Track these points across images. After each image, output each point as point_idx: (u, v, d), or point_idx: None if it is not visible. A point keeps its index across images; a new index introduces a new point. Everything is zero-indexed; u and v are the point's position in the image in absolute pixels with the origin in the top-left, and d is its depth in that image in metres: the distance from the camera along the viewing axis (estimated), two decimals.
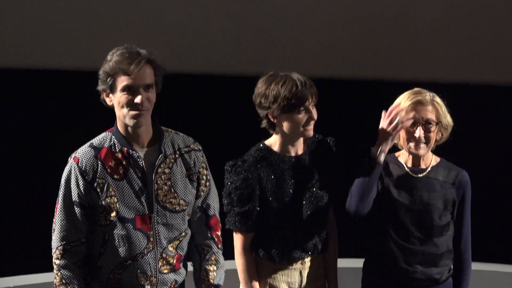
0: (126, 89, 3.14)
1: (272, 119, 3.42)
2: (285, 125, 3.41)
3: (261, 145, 3.51)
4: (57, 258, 3.22)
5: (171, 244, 3.29)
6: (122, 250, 3.22)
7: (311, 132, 3.43)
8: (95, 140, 3.27)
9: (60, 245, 3.22)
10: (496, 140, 9.21)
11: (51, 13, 9.39)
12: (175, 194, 3.27)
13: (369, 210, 3.44)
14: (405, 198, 3.47)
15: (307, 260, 3.53)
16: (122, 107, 3.16)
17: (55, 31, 9.39)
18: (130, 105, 3.15)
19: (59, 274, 3.22)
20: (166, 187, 3.25)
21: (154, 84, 3.20)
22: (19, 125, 9.39)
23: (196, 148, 3.36)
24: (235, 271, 3.55)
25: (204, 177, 3.37)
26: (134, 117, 3.16)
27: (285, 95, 3.33)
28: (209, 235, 3.39)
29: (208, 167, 3.40)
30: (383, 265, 3.51)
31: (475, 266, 4.05)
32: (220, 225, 3.45)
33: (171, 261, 3.30)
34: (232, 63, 9.54)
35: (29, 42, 9.49)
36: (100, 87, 3.21)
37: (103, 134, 3.28)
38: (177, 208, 3.28)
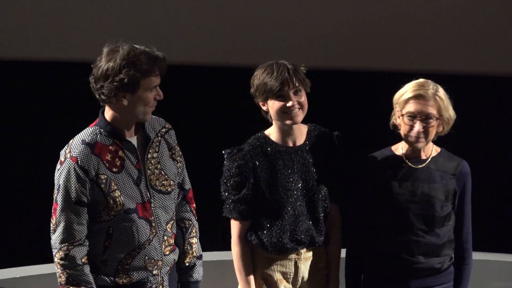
0: (153, 88, 3.21)
1: (263, 107, 3.48)
2: (271, 112, 3.45)
3: (260, 134, 3.53)
4: (61, 259, 3.19)
5: (168, 225, 3.36)
6: (129, 241, 3.25)
7: (296, 119, 3.42)
8: (85, 137, 3.23)
9: (64, 246, 3.19)
10: (498, 130, 9.22)
11: (49, 4, 9.40)
12: (166, 176, 3.34)
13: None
14: (406, 190, 3.47)
15: (303, 252, 3.53)
16: (146, 104, 3.21)
17: (51, 22, 9.40)
18: (152, 101, 3.23)
19: (64, 274, 3.19)
20: (157, 171, 3.31)
21: None
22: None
23: (170, 126, 3.43)
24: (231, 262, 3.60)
25: (179, 153, 3.43)
26: (150, 113, 3.26)
27: (264, 81, 3.38)
28: (188, 208, 3.48)
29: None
30: (384, 257, 3.52)
31: (477, 256, 4.09)
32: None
33: (171, 241, 3.37)
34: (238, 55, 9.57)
35: (27, 33, 9.50)
36: (119, 88, 3.15)
37: (90, 130, 3.26)
38: (169, 189, 3.35)
